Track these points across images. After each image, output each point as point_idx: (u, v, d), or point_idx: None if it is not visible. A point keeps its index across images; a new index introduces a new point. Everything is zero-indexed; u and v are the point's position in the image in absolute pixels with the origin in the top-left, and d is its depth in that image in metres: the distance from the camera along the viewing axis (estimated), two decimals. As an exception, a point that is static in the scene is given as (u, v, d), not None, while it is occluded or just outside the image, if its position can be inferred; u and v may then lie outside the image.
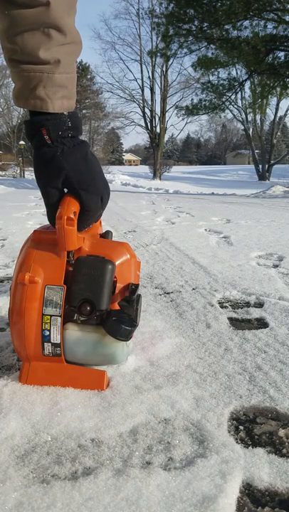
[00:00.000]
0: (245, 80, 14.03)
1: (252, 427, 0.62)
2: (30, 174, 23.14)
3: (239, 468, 0.52)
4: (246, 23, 11.36)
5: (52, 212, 0.70)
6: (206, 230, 2.63)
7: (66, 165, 0.67)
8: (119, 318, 0.68)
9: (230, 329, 0.99)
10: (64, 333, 0.69)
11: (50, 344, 0.69)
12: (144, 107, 25.65)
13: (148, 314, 1.09)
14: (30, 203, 4.79)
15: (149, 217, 3.44)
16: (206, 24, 11.43)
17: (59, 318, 0.68)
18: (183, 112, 16.22)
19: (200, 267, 1.58)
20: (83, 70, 28.83)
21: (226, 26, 11.21)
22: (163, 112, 24.83)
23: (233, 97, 16.47)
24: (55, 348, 0.69)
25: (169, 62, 23.12)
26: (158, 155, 24.65)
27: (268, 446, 0.58)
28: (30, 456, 0.55)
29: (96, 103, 30.04)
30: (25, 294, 0.68)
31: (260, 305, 1.17)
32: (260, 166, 23.67)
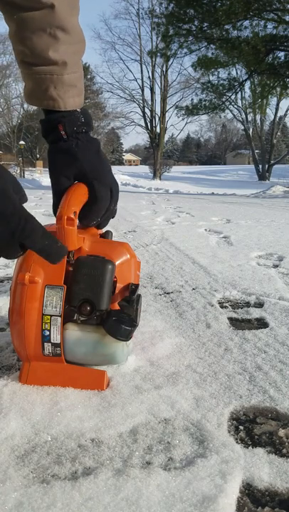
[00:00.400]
0: (245, 80, 14.04)
1: (252, 427, 0.62)
2: (30, 174, 23.14)
3: (239, 468, 0.52)
4: (246, 23, 11.37)
5: (58, 202, 0.72)
6: (206, 230, 2.63)
7: (80, 156, 0.72)
8: (119, 318, 0.68)
9: (230, 329, 0.99)
10: (64, 333, 0.69)
11: (50, 344, 0.69)
12: (144, 107, 25.66)
13: (148, 314, 1.09)
14: (30, 203, 4.79)
15: (149, 217, 3.44)
16: (206, 24, 11.43)
17: (59, 318, 0.68)
18: (183, 111, 16.23)
19: (200, 267, 1.58)
20: (83, 70, 28.77)
21: (226, 26, 11.21)
22: (163, 111, 24.83)
23: (233, 97, 16.48)
24: (55, 348, 0.69)
25: (169, 62, 23.13)
26: (158, 155, 24.66)
27: (268, 446, 0.58)
28: (30, 456, 0.55)
29: (96, 103, 30.05)
30: (25, 294, 0.68)
31: (260, 305, 1.17)
32: (260, 166, 23.67)
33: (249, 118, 25.19)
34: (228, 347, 0.88)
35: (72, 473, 0.52)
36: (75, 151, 0.72)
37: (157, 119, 25.13)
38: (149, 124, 25.31)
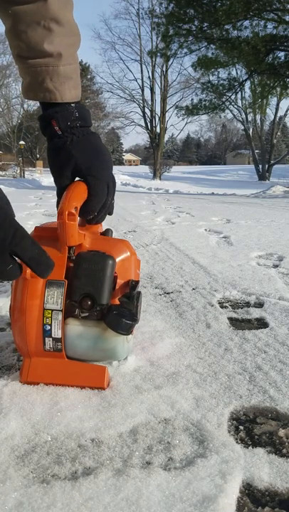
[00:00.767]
0: (245, 80, 14.04)
1: (252, 427, 0.62)
2: (30, 174, 23.12)
3: (239, 468, 0.52)
4: (246, 23, 11.37)
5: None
6: (206, 230, 2.63)
7: (75, 153, 0.72)
8: (120, 312, 0.69)
9: (230, 329, 0.99)
10: (65, 328, 0.70)
11: (51, 339, 0.69)
12: (144, 107, 25.66)
13: (148, 314, 1.09)
14: (30, 203, 4.80)
15: (149, 217, 3.44)
16: (206, 24, 11.44)
17: (60, 313, 0.68)
18: (183, 111, 16.24)
19: (200, 267, 1.58)
20: (83, 70, 28.83)
21: (226, 26, 11.21)
22: (163, 111, 24.83)
23: (233, 97, 16.49)
24: (56, 342, 0.69)
25: (169, 62, 23.13)
26: (158, 155, 24.66)
27: (268, 446, 0.58)
28: (30, 456, 0.55)
29: (96, 103, 30.05)
30: (26, 289, 0.68)
31: (260, 305, 1.17)
32: (260, 166, 23.67)
33: (249, 118, 25.20)
34: (228, 347, 0.88)
35: (72, 473, 0.52)
36: (69, 148, 0.72)
37: (157, 119, 25.14)
38: (149, 124, 25.32)
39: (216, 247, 2.04)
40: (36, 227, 0.75)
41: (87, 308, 0.69)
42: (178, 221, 3.10)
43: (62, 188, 0.73)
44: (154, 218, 3.33)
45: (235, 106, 23.33)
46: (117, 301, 0.72)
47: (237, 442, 0.58)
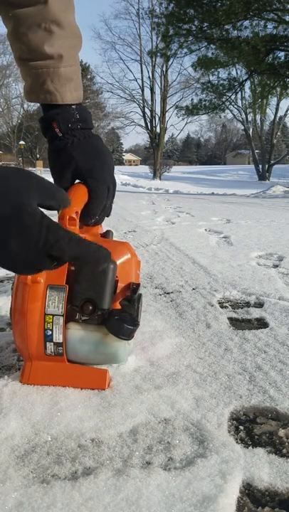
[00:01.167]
0: (245, 80, 14.05)
1: (252, 427, 0.62)
2: (30, 174, 22.99)
3: (239, 468, 0.52)
4: (246, 23, 11.39)
5: None
6: (206, 230, 2.63)
7: (76, 155, 0.71)
8: (121, 317, 0.68)
9: (230, 329, 0.99)
10: (67, 333, 0.70)
11: (52, 344, 0.69)
12: (144, 107, 25.67)
13: (148, 314, 1.09)
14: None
15: (149, 217, 3.44)
16: (206, 24, 11.44)
17: (61, 318, 0.68)
18: (183, 111, 16.25)
19: (200, 267, 1.58)
20: (83, 70, 28.82)
21: (226, 26, 11.22)
22: (163, 111, 24.84)
23: (233, 97, 16.50)
24: (57, 347, 0.69)
25: (169, 62, 23.14)
26: (158, 155, 24.66)
27: (268, 446, 0.58)
28: (30, 456, 0.55)
29: (96, 103, 30.06)
30: (27, 294, 0.68)
31: (260, 305, 1.17)
32: (260, 166, 23.67)
33: (249, 118, 25.20)
34: (228, 347, 0.88)
35: (72, 473, 0.52)
36: (70, 150, 0.72)
37: (157, 119, 25.14)
38: (149, 124, 25.32)
39: (216, 247, 2.04)
40: None
41: (89, 313, 0.69)
42: (178, 221, 3.10)
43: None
44: (154, 218, 3.33)
45: (235, 106, 23.35)
46: (118, 305, 0.72)
47: (237, 442, 0.58)
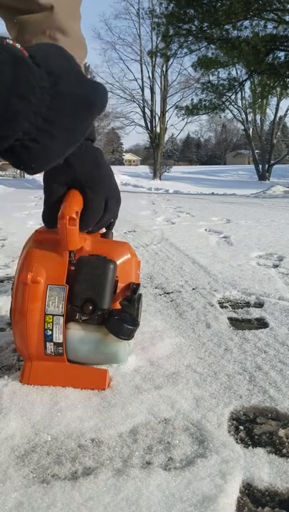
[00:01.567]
0: (245, 80, 14.06)
1: (252, 427, 0.62)
2: (30, 174, 23.01)
3: (239, 468, 0.52)
4: (246, 23, 11.39)
5: (49, 211, 0.70)
6: (206, 230, 2.63)
7: (76, 164, 0.69)
8: (121, 317, 0.69)
9: (230, 329, 0.99)
10: (67, 333, 0.70)
11: (52, 344, 0.69)
12: (144, 107, 25.65)
13: (148, 314, 1.09)
14: (30, 203, 4.79)
15: (149, 217, 3.44)
16: (206, 24, 11.45)
17: (61, 318, 0.68)
18: (183, 111, 16.25)
19: (200, 267, 1.58)
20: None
21: (226, 26, 11.23)
22: (163, 111, 24.83)
23: (233, 97, 16.49)
24: (57, 347, 0.69)
25: (169, 62, 23.12)
26: (158, 155, 24.65)
27: (268, 446, 0.58)
28: (30, 456, 0.55)
29: (96, 103, 29.94)
30: (27, 294, 0.68)
31: (260, 305, 1.17)
32: (260, 166, 23.66)
33: (249, 118, 25.19)
34: (228, 347, 0.88)
35: (72, 473, 0.52)
36: (70, 158, 0.68)
37: (157, 119, 25.13)
38: (149, 124, 25.31)
39: (216, 247, 2.04)
40: (36, 231, 0.74)
41: (89, 313, 0.69)
42: (178, 221, 3.10)
43: (53, 197, 0.69)
44: (154, 218, 3.33)
45: (235, 106, 23.34)
46: (118, 305, 0.72)
47: (237, 442, 0.58)
